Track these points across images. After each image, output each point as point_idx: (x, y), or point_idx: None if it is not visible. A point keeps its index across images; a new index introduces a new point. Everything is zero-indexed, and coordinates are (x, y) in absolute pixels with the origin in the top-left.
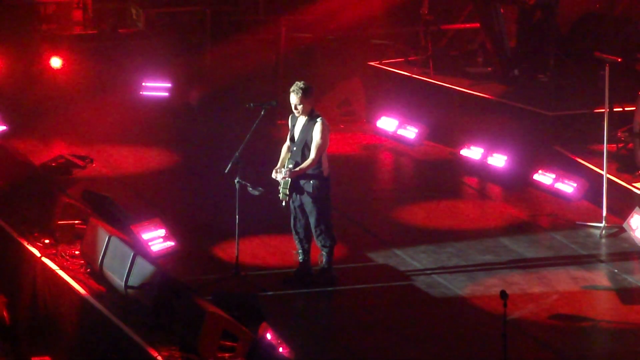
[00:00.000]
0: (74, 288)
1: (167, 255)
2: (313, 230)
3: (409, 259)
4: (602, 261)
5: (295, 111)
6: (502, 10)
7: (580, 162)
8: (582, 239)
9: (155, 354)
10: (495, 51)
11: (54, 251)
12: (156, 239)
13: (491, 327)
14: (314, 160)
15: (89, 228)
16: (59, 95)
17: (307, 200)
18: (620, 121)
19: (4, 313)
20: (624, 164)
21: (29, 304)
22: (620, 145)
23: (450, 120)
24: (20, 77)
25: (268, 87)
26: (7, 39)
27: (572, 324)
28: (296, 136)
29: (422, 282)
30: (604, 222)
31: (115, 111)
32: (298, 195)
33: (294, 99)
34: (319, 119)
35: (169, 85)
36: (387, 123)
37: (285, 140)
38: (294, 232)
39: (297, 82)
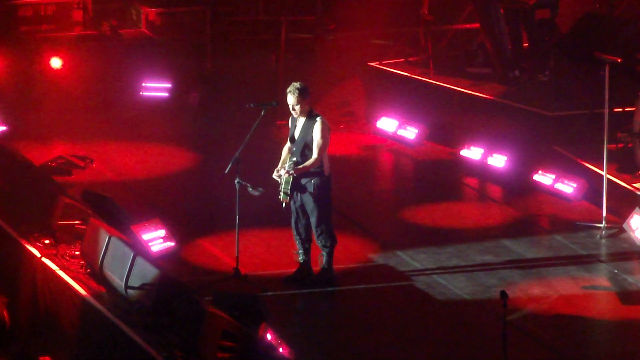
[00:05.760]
0: (74, 288)
1: (167, 255)
2: (314, 230)
3: (409, 259)
4: (602, 261)
5: (293, 112)
6: (502, 11)
7: (580, 163)
8: (582, 240)
9: (155, 354)
10: (495, 51)
11: (54, 251)
12: (156, 239)
13: (491, 328)
14: (316, 159)
15: (89, 228)
16: (59, 95)
17: (308, 200)
18: (620, 121)
19: (4, 313)
20: (624, 164)
21: (29, 304)
22: (620, 145)
23: (450, 121)
24: (20, 77)
25: (268, 88)
26: (7, 39)
27: (572, 324)
28: (296, 136)
29: (422, 282)
30: (603, 222)
31: (115, 111)
32: (299, 195)
33: (290, 99)
34: (318, 119)
35: (169, 85)
36: (387, 123)
37: (286, 141)
38: (295, 233)
39: (293, 83)
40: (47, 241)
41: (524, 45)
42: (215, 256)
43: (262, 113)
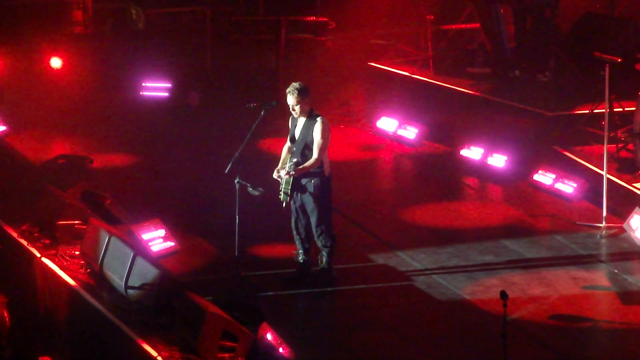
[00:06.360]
0: (74, 288)
1: (167, 255)
2: (314, 230)
3: (409, 259)
4: (602, 261)
5: (292, 112)
6: (502, 11)
7: (580, 162)
8: (582, 239)
9: (155, 354)
10: (495, 51)
11: (54, 251)
12: (156, 239)
13: (491, 327)
14: (317, 159)
15: (89, 228)
16: (59, 95)
17: (308, 200)
18: (621, 121)
19: (4, 313)
20: (624, 164)
21: (29, 304)
22: (621, 145)
23: (450, 121)
24: (20, 77)
25: (268, 88)
26: (7, 38)
27: (572, 324)
28: (296, 136)
29: (422, 282)
30: (604, 222)
31: (115, 111)
32: (299, 195)
33: (290, 99)
34: (318, 119)
35: (169, 85)
36: (387, 123)
37: (286, 141)
38: (295, 233)
39: (292, 83)
40: (47, 241)
41: (526, 45)
42: (216, 256)
43: (262, 113)
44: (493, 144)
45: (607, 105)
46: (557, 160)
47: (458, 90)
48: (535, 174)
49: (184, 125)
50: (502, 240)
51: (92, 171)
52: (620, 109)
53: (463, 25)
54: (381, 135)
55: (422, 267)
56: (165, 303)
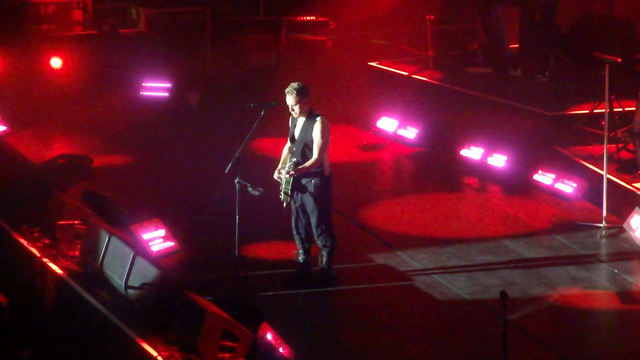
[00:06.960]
0: (74, 288)
1: (167, 255)
2: (314, 230)
3: (409, 259)
4: (602, 261)
5: (292, 112)
6: (502, 11)
7: (580, 162)
8: (582, 239)
9: (155, 354)
10: (495, 51)
11: (54, 251)
12: (156, 239)
13: (491, 327)
14: (317, 159)
15: (89, 228)
16: (59, 95)
17: (308, 200)
18: (621, 121)
19: (4, 313)
20: (624, 164)
21: (29, 304)
22: (620, 145)
23: (450, 121)
24: (20, 77)
25: (268, 87)
26: (7, 38)
27: (572, 324)
28: (296, 136)
29: (422, 282)
30: (604, 222)
31: (115, 111)
32: (299, 195)
33: (289, 100)
34: (318, 118)
35: (169, 85)
36: (387, 123)
37: (286, 141)
38: (295, 233)
39: (291, 84)
40: (47, 241)
41: (526, 44)
42: (216, 256)
43: (262, 113)
44: (493, 144)
45: (607, 105)
46: (557, 160)
47: (458, 90)
48: (535, 174)
49: (184, 125)
50: (502, 240)
51: (92, 171)
52: (620, 109)
53: (463, 26)
54: (381, 135)
55: (422, 267)
56: (165, 303)
